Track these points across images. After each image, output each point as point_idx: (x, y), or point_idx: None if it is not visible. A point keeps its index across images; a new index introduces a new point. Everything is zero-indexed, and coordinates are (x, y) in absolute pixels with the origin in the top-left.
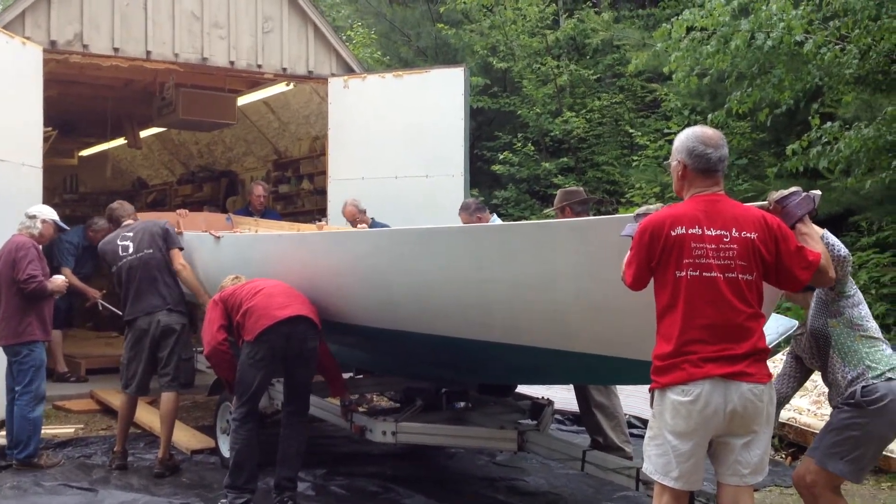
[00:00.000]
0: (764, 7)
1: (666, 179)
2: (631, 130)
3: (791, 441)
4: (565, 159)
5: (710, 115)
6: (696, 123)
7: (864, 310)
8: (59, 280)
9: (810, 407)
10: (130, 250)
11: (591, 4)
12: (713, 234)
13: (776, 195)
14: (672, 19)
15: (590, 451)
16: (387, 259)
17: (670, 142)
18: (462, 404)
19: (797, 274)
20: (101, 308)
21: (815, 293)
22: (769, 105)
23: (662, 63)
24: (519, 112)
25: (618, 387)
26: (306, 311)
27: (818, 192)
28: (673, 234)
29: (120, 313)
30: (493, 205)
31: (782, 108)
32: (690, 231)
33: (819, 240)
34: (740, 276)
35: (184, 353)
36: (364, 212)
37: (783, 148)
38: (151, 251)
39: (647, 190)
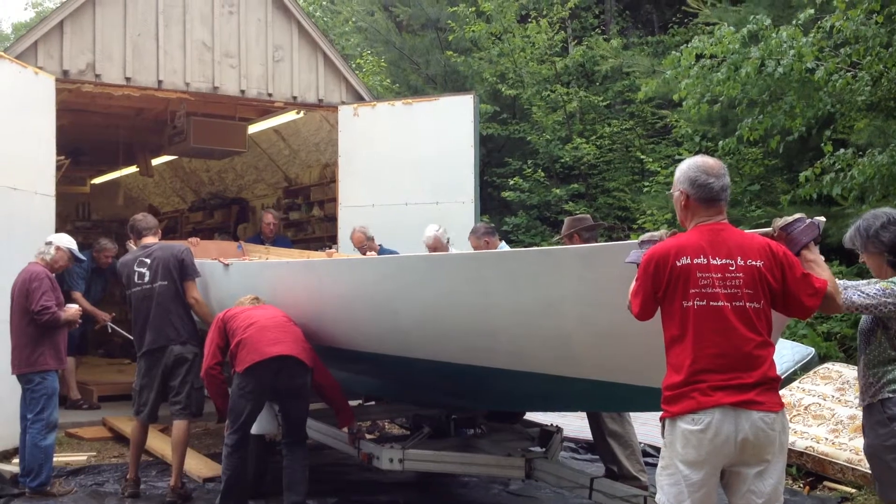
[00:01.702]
0: (774, 35)
1: None
2: (641, 156)
3: (809, 470)
4: (576, 185)
5: (721, 142)
6: (707, 149)
7: None
8: (72, 309)
9: (828, 436)
10: (146, 279)
11: (599, 31)
12: (718, 262)
13: (780, 222)
14: (681, 47)
15: (598, 478)
16: (393, 286)
17: None
18: (472, 431)
19: (804, 301)
20: (110, 331)
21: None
22: (781, 132)
23: (672, 90)
24: (529, 138)
25: (633, 415)
26: (296, 350)
27: (822, 218)
28: (678, 264)
29: (130, 337)
30: (503, 231)
31: (794, 135)
32: (696, 261)
33: (826, 266)
34: (747, 304)
35: (196, 382)
36: (372, 239)
37: (796, 174)
38: (166, 283)
39: (658, 216)
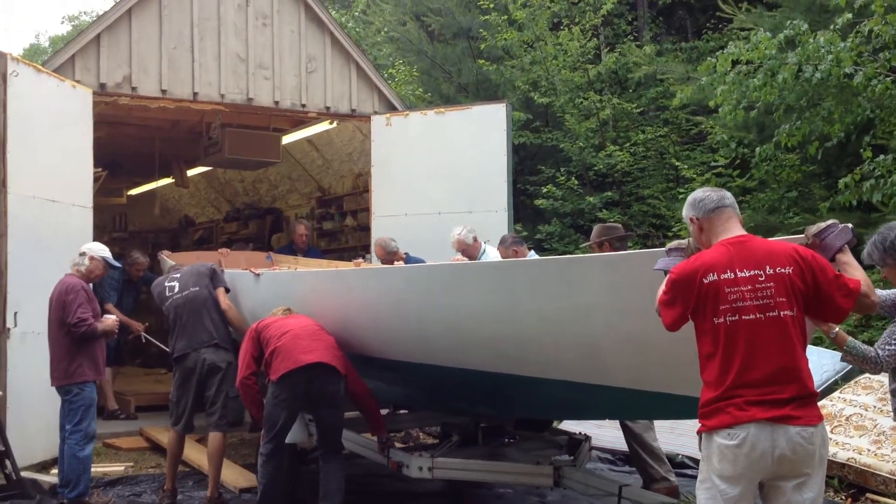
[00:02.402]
0: (811, 40)
1: None
2: (676, 163)
3: (851, 482)
4: (609, 193)
5: (758, 148)
6: (743, 156)
7: None
8: (109, 320)
9: (870, 447)
10: (176, 290)
11: (632, 38)
12: (747, 275)
13: (814, 229)
14: (717, 53)
15: (626, 486)
16: (421, 294)
17: (717, 174)
18: (506, 440)
19: (839, 302)
20: (144, 341)
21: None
22: (819, 138)
23: (707, 96)
24: (562, 146)
25: (675, 427)
26: (328, 357)
27: (849, 225)
28: (706, 281)
29: (165, 348)
30: (537, 240)
31: (833, 141)
32: (723, 276)
33: (859, 267)
34: (781, 312)
35: (230, 392)
36: (395, 251)
37: (834, 180)
38: (197, 289)
39: None
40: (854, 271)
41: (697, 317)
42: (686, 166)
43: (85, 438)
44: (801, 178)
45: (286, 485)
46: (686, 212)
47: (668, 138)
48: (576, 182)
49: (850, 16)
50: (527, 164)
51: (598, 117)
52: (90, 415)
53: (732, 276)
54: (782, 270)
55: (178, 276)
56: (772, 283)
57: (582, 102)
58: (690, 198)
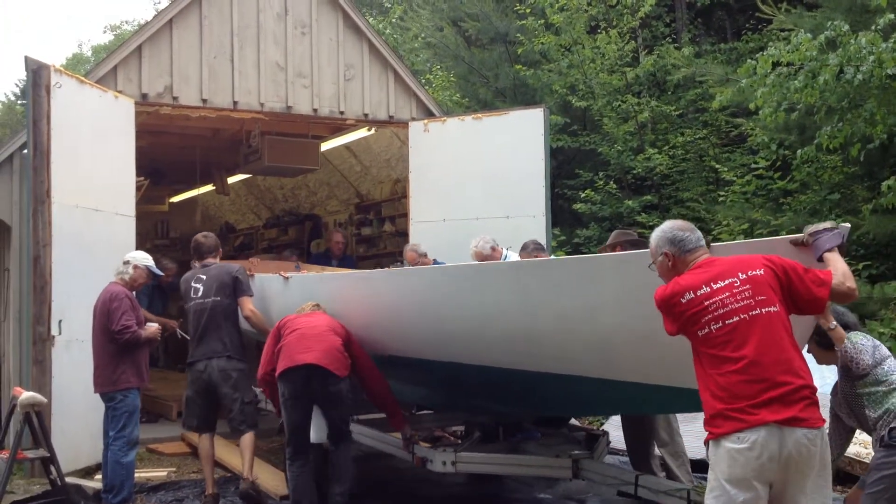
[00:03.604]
0: (852, 41)
1: (755, 216)
2: (716, 166)
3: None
4: (648, 196)
5: (799, 150)
6: (784, 157)
7: (889, 364)
8: (152, 328)
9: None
10: (199, 294)
11: (670, 40)
12: (722, 284)
13: (811, 228)
14: (757, 55)
15: (643, 475)
16: (442, 294)
17: (758, 177)
18: (538, 433)
19: (815, 292)
20: (180, 337)
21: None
22: (861, 139)
23: (748, 98)
24: (600, 150)
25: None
26: (325, 360)
27: (847, 225)
28: (683, 301)
29: None
30: (574, 244)
31: (875, 143)
32: (699, 293)
33: (841, 259)
34: (763, 310)
35: (245, 397)
36: (424, 254)
37: (877, 182)
38: (219, 299)
39: (734, 227)
40: (836, 263)
41: (688, 334)
42: (726, 169)
43: (128, 445)
44: (843, 179)
45: (313, 483)
46: (660, 245)
47: (707, 140)
48: (614, 186)
49: (892, 16)
50: (564, 168)
51: (637, 120)
52: (133, 421)
53: (709, 289)
54: (754, 273)
55: (204, 278)
56: (748, 286)
57: (620, 105)
58: (666, 234)
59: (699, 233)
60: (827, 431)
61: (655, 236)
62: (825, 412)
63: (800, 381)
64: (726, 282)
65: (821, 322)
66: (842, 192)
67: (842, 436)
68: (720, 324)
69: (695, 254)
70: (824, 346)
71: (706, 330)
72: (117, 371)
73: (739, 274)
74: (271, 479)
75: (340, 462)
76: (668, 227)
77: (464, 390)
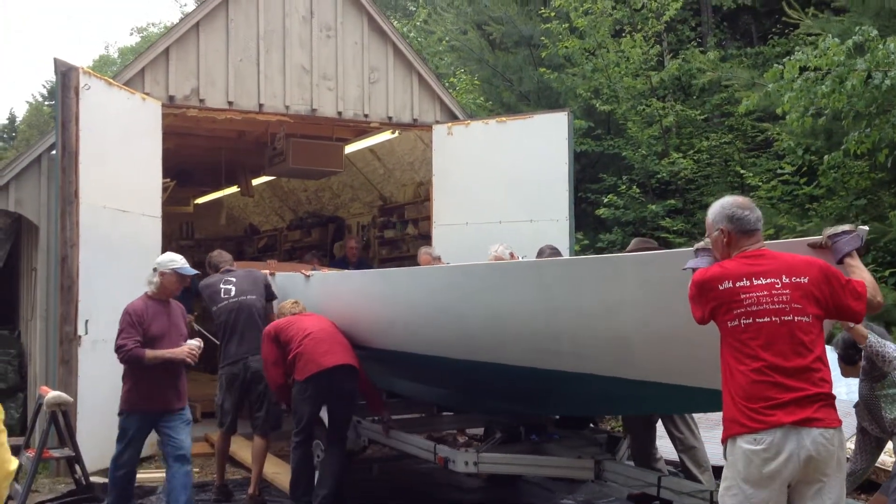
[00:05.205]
0: (881, 46)
1: (780, 221)
2: (742, 171)
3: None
4: (672, 201)
5: (826, 156)
6: (811, 163)
7: None
8: (190, 345)
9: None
10: (232, 293)
11: (696, 44)
12: (763, 282)
13: (829, 231)
14: (784, 59)
15: (665, 477)
16: (461, 293)
17: (784, 182)
18: (556, 434)
19: (852, 306)
20: (195, 329)
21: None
22: (889, 145)
23: (774, 103)
24: (624, 154)
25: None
26: (347, 358)
27: (866, 228)
28: (721, 287)
29: (214, 339)
30: (598, 248)
31: None
32: (738, 284)
33: (864, 269)
34: (796, 318)
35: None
36: (438, 258)
37: None
38: (254, 297)
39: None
40: (860, 273)
41: (717, 321)
42: (751, 174)
43: (113, 464)
44: (870, 185)
45: (313, 469)
46: (717, 220)
47: (732, 145)
48: (638, 190)
49: None
50: (588, 172)
51: (661, 124)
52: (119, 446)
53: (748, 283)
54: (798, 280)
55: (234, 279)
56: (788, 291)
57: (644, 109)
58: (726, 209)
59: (759, 212)
60: (842, 432)
61: (713, 210)
62: (848, 421)
63: (817, 389)
64: (768, 281)
65: (844, 328)
66: (868, 197)
67: (870, 448)
68: (750, 320)
69: (752, 237)
70: (848, 361)
71: (735, 322)
72: (123, 389)
73: (783, 277)
74: (286, 481)
75: (330, 466)
76: (728, 203)
77: (483, 389)
